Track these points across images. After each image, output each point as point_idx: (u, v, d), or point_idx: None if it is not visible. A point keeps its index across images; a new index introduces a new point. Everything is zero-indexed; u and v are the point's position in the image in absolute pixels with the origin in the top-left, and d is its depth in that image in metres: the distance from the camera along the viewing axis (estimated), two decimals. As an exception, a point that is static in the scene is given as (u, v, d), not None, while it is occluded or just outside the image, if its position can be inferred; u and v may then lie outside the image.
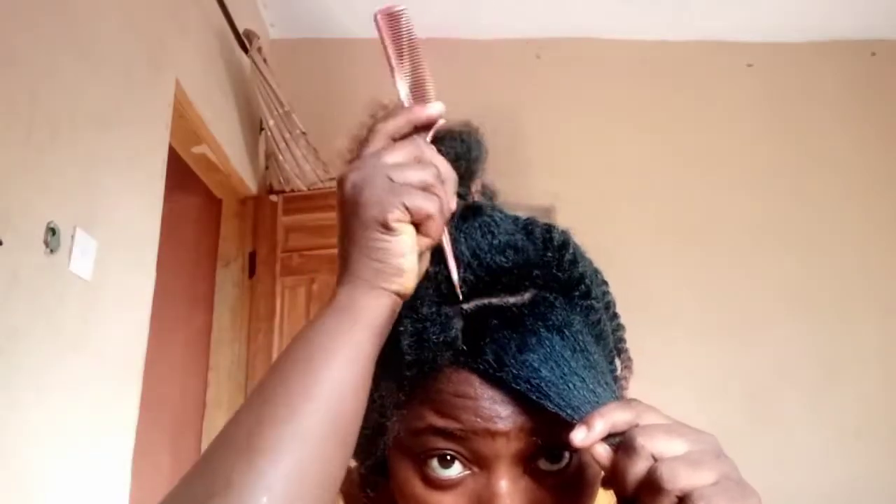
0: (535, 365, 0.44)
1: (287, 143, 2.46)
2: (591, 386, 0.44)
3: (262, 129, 2.54)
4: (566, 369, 0.44)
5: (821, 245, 2.75)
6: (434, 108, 0.47)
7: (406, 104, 0.48)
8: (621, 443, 0.40)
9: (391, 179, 0.43)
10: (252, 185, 2.56)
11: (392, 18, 0.48)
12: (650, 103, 2.92)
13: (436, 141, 0.49)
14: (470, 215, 0.51)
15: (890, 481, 2.46)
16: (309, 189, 2.51)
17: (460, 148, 0.52)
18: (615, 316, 0.54)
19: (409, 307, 0.46)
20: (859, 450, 2.50)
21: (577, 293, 0.49)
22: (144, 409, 1.64)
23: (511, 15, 2.88)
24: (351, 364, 0.41)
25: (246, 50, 2.41)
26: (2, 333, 1.15)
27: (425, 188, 0.43)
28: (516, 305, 0.46)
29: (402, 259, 0.43)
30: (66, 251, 1.32)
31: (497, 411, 0.44)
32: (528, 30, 2.95)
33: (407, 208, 0.42)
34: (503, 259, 0.48)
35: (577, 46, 2.98)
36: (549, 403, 0.43)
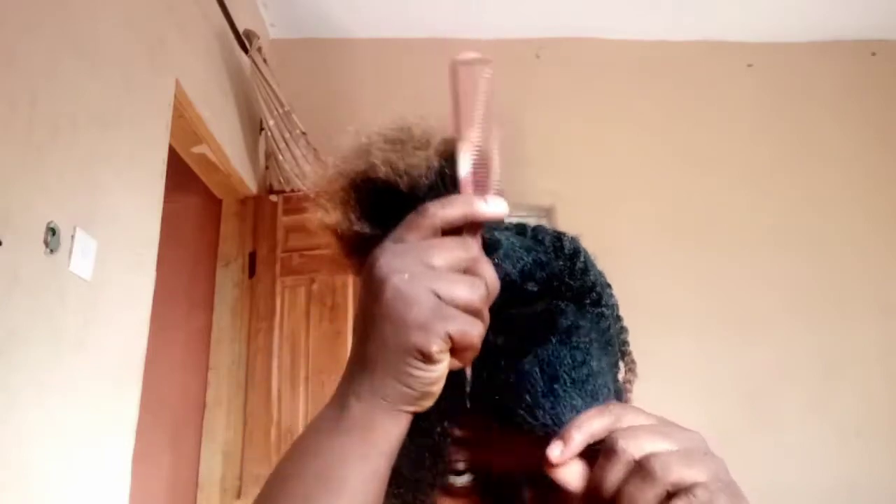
0: (547, 406, 0.43)
1: (287, 143, 2.46)
2: (587, 403, 0.43)
3: (262, 129, 2.54)
4: (567, 390, 0.43)
5: (821, 245, 2.75)
6: (499, 207, 0.40)
7: (464, 184, 0.41)
8: (600, 449, 0.38)
9: (438, 296, 0.37)
10: (252, 185, 2.56)
11: (471, 71, 0.40)
12: (650, 103, 2.92)
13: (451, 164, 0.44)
14: (492, 248, 0.47)
15: (890, 481, 2.46)
16: (309, 189, 2.50)
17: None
18: (619, 318, 0.54)
19: None
20: (859, 449, 2.50)
21: (588, 301, 0.49)
22: (144, 409, 1.64)
23: (511, 15, 2.88)
24: (367, 494, 0.39)
25: (246, 50, 2.41)
26: (2, 333, 1.15)
27: (471, 311, 0.39)
28: (526, 315, 0.45)
29: (434, 386, 0.39)
30: (66, 251, 1.32)
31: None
32: (528, 30, 2.95)
33: (451, 337, 0.37)
34: (532, 284, 0.47)
35: (577, 46, 2.98)
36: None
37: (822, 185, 2.83)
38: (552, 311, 0.45)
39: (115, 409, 1.53)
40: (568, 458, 0.38)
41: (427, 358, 0.37)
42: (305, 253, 2.46)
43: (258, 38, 2.45)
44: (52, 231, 1.28)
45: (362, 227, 0.46)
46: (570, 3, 2.82)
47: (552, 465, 0.39)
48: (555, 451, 0.39)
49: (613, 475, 0.37)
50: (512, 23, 2.92)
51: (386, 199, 0.45)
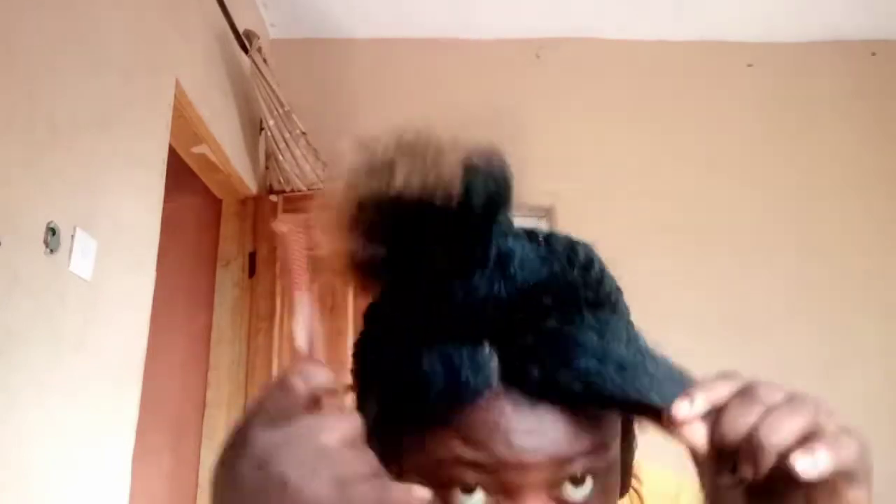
0: (583, 370, 0.41)
1: (287, 143, 2.46)
2: (650, 369, 0.41)
3: (262, 129, 2.54)
4: (619, 359, 0.41)
5: (821, 245, 2.75)
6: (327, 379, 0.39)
7: (302, 350, 0.41)
8: (733, 396, 0.37)
9: (342, 482, 0.35)
10: (252, 185, 2.56)
11: (290, 237, 0.40)
12: (650, 103, 2.92)
13: (466, 177, 0.42)
14: (506, 260, 0.45)
15: (891, 481, 2.46)
16: (309, 189, 2.51)
17: (492, 187, 0.45)
18: (630, 324, 0.52)
19: (431, 348, 0.43)
20: (859, 450, 2.50)
21: (606, 309, 0.47)
22: (144, 409, 1.64)
23: (511, 15, 2.88)
24: None
25: (246, 50, 2.41)
26: (2, 333, 1.15)
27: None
28: (552, 328, 0.43)
29: None
30: (66, 251, 1.32)
31: (531, 442, 0.42)
32: (528, 30, 2.95)
33: None
34: (548, 297, 0.44)
35: (577, 46, 2.98)
36: (620, 393, 0.40)
37: (822, 184, 2.83)
38: (568, 320, 0.43)
39: (115, 409, 1.53)
40: (694, 416, 0.38)
41: None
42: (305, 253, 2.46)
43: (258, 38, 2.44)
44: (52, 231, 1.28)
45: (380, 251, 0.44)
46: (570, 3, 2.82)
47: (676, 424, 0.38)
48: (682, 408, 0.38)
49: (747, 416, 0.36)
50: (512, 23, 2.92)
51: (412, 217, 0.43)
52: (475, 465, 0.42)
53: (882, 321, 2.67)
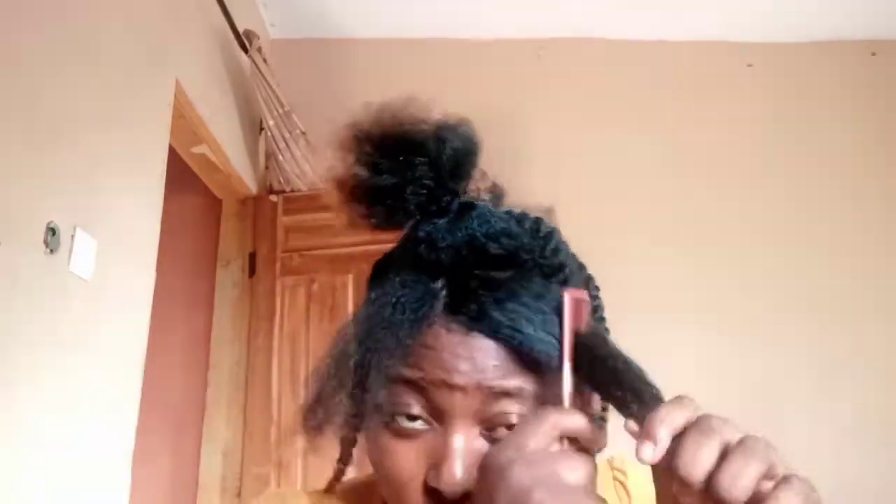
0: (516, 317, 0.46)
1: (287, 143, 2.46)
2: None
3: (262, 129, 2.54)
4: (546, 324, 0.46)
5: (821, 245, 2.75)
6: (595, 438, 0.43)
7: (568, 402, 0.45)
8: (690, 427, 0.38)
9: None
10: (252, 186, 2.56)
11: (577, 304, 0.46)
12: (650, 103, 2.92)
13: (438, 131, 0.50)
14: (465, 210, 0.52)
15: (891, 481, 2.46)
16: (309, 189, 2.51)
17: (459, 143, 0.52)
18: (602, 319, 0.55)
19: (392, 282, 0.48)
20: (860, 450, 2.50)
21: (555, 280, 0.50)
22: (144, 410, 1.64)
23: (512, 15, 2.88)
24: None
25: (246, 50, 2.41)
26: (1, 333, 1.15)
27: None
28: (499, 277, 0.48)
29: None
30: (66, 251, 1.32)
31: (457, 364, 0.46)
32: (529, 30, 2.95)
33: None
34: (495, 245, 0.49)
35: (578, 46, 2.98)
36: (529, 350, 0.45)
37: (822, 184, 2.83)
38: (520, 276, 0.48)
39: (115, 409, 1.53)
40: (660, 456, 0.38)
41: None
42: (305, 253, 2.46)
43: (258, 38, 2.45)
44: (52, 231, 1.28)
45: (372, 176, 0.51)
46: (570, 3, 2.82)
47: (643, 462, 0.39)
48: (647, 452, 0.39)
49: (710, 454, 0.37)
50: (512, 23, 2.92)
51: (394, 148, 0.50)
52: (414, 386, 0.47)
53: (882, 321, 2.66)
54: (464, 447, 0.46)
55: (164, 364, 2.29)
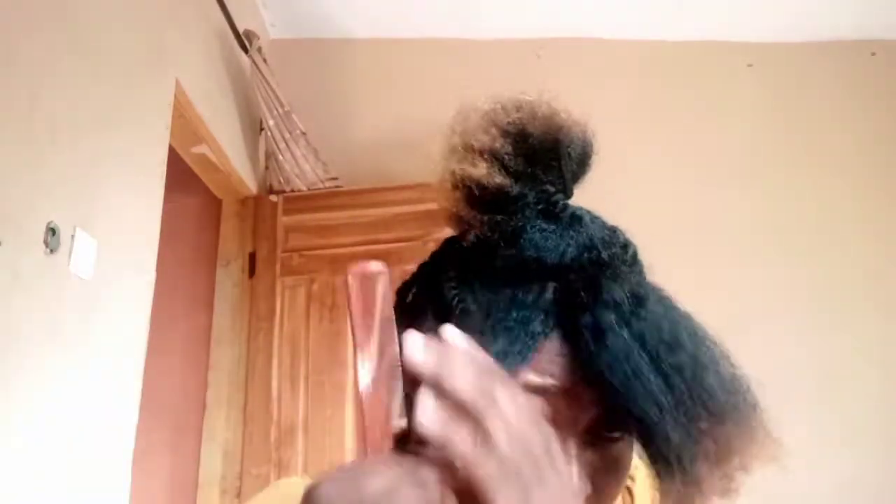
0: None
1: (287, 143, 2.46)
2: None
3: (262, 129, 2.54)
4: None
5: (821, 245, 2.75)
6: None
7: (365, 398, 0.35)
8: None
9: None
10: (252, 185, 2.56)
11: (367, 280, 0.36)
12: (650, 103, 2.92)
13: (566, 135, 0.50)
14: (576, 217, 0.52)
15: (891, 482, 2.46)
16: (309, 189, 2.51)
17: (580, 148, 0.53)
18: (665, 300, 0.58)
19: (501, 292, 0.47)
20: (860, 450, 2.50)
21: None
22: (144, 409, 1.64)
23: (511, 15, 2.88)
24: None
25: (246, 50, 2.41)
26: (1, 333, 1.15)
27: None
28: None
29: None
30: (66, 251, 1.32)
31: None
32: (529, 30, 2.95)
33: None
34: (606, 253, 0.51)
35: (578, 46, 2.98)
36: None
37: (822, 184, 2.83)
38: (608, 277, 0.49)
39: (115, 409, 1.53)
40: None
41: None
42: (305, 253, 2.46)
43: (258, 38, 2.45)
44: (52, 231, 1.28)
45: (508, 181, 0.49)
46: (570, 3, 2.82)
47: None
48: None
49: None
50: (512, 23, 2.92)
51: (540, 155, 0.49)
52: (542, 391, 0.46)
53: (882, 321, 2.67)
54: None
55: (164, 364, 2.29)
